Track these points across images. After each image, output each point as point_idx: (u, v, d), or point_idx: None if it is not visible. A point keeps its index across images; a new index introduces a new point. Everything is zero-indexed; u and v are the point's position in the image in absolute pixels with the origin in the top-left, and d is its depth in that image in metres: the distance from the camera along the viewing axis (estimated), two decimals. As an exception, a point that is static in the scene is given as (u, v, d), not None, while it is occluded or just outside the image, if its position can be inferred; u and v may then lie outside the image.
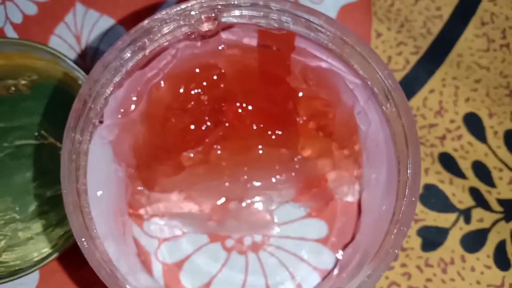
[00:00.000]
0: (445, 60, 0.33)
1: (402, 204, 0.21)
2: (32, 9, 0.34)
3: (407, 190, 0.21)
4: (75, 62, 0.31)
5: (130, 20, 0.34)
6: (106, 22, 0.34)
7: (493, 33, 0.34)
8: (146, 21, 0.22)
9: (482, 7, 0.35)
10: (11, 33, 0.34)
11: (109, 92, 0.21)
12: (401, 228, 0.20)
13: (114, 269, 0.21)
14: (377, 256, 0.21)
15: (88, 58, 0.33)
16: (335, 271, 0.27)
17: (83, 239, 0.21)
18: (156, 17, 0.22)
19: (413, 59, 0.33)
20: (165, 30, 0.22)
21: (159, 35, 0.22)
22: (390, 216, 0.22)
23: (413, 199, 0.21)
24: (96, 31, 0.34)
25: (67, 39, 0.34)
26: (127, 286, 0.22)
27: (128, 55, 0.22)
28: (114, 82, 0.21)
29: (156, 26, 0.22)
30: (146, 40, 0.22)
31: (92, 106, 0.21)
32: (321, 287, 0.27)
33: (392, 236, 0.20)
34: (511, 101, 0.33)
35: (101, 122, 0.22)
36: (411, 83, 0.33)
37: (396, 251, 0.21)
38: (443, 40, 0.34)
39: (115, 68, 0.21)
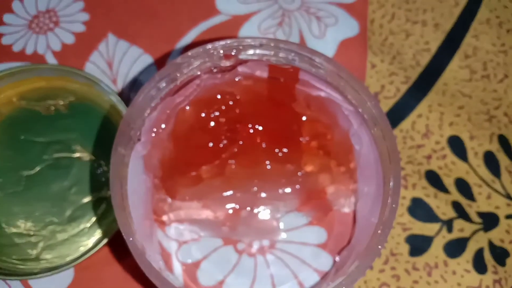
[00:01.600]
0: (432, 88, 0.38)
1: (385, 210, 0.25)
2: (70, 39, 0.39)
3: (389, 198, 0.25)
4: (107, 86, 0.34)
5: (156, 50, 0.38)
6: (135, 51, 0.38)
7: (475, 65, 0.38)
8: (178, 59, 0.26)
9: (465, 42, 0.39)
10: (51, 59, 0.38)
11: (146, 114, 0.26)
12: (385, 229, 0.25)
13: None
14: (365, 252, 0.25)
15: (118, 82, 0.37)
16: (332, 272, 0.31)
17: (130, 238, 0.25)
18: (186, 55, 0.26)
19: (403, 88, 0.37)
20: (193, 65, 0.26)
21: (188, 69, 0.26)
22: (377, 221, 0.26)
23: (394, 205, 0.25)
24: (126, 59, 0.38)
25: (100, 65, 0.38)
26: (167, 278, 0.25)
27: (163, 85, 0.26)
28: (151, 107, 0.26)
29: (186, 62, 0.26)
30: (178, 74, 0.26)
31: (133, 126, 0.26)
32: (320, 286, 0.31)
33: (378, 235, 0.24)
34: (490, 126, 0.37)
35: (139, 139, 0.26)
36: (401, 109, 0.37)
37: (380, 247, 0.25)
38: (431, 71, 0.38)
39: (152, 96, 0.26)
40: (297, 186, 0.33)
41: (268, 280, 0.33)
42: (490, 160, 0.36)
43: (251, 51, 0.27)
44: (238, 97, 0.30)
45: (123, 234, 0.25)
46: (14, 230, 0.34)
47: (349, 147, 0.32)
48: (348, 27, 0.38)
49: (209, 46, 0.26)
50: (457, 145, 0.36)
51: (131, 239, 0.25)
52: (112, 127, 0.35)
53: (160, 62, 0.38)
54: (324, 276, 0.32)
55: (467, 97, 0.37)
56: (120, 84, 0.37)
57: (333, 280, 0.29)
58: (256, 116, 0.31)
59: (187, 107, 0.29)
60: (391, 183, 0.25)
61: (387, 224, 0.25)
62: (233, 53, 0.26)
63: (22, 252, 0.33)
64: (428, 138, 0.36)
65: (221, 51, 0.26)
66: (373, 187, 0.29)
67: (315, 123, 0.32)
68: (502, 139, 0.36)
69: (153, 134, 0.28)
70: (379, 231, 0.25)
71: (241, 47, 0.26)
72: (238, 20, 0.38)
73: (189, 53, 0.26)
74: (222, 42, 0.26)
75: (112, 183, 0.25)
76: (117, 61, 0.38)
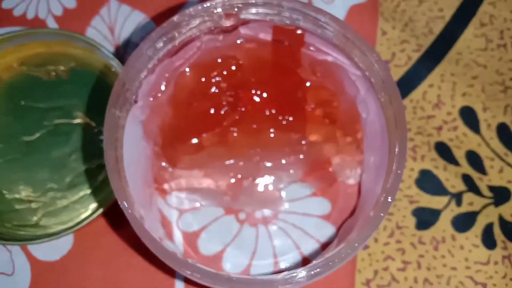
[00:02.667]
0: (444, 57, 0.36)
1: (389, 176, 0.24)
2: (71, 3, 0.38)
3: (394, 164, 0.24)
4: (109, 51, 0.33)
5: (158, 15, 0.37)
6: (137, 16, 0.37)
7: (492, 34, 0.37)
8: (176, 16, 0.25)
9: (482, 9, 0.37)
10: (52, 24, 0.37)
11: (143, 76, 0.25)
12: (388, 196, 0.24)
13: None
14: (367, 220, 0.24)
15: (120, 48, 0.37)
16: (335, 243, 0.30)
17: (124, 201, 0.24)
18: (184, 12, 0.25)
19: (415, 56, 0.36)
20: (192, 24, 0.25)
21: (187, 29, 0.25)
22: (381, 193, 0.25)
23: (399, 171, 0.24)
24: (128, 24, 0.37)
25: (101, 30, 0.37)
26: (164, 245, 0.25)
27: (160, 45, 0.25)
28: (148, 68, 0.25)
29: (184, 21, 0.25)
30: (176, 33, 0.25)
31: (129, 87, 0.25)
32: (321, 256, 0.30)
33: (381, 202, 0.24)
34: (504, 97, 0.35)
35: (135, 101, 0.25)
36: (412, 78, 0.36)
37: (382, 214, 0.24)
38: (444, 39, 0.36)
39: (148, 56, 0.25)
40: (301, 156, 0.32)
41: (270, 250, 0.32)
42: (504, 133, 0.34)
43: (253, 10, 0.26)
44: (240, 62, 0.29)
45: (117, 198, 0.24)
46: (14, 196, 0.34)
47: (356, 116, 0.31)
48: (359, -8, 0.37)
49: (208, 3, 0.25)
50: (469, 117, 0.35)
51: (125, 203, 0.24)
52: (113, 93, 0.34)
53: (162, 28, 0.36)
54: (327, 247, 0.31)
55: (482, 67, 0.36)
56: (121, 50, 0.37)
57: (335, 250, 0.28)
58: (259, 82, 0.30)
59: (187, 71, 0.28)
60: (396, 149, 0.24)
61: (391, 191, 0.24)
62: (234, 12, 0.25)
63: (22, 218, 0.33)
64: (439, 108, 0.35)
65: (221, 9, 0.25)
66: (379, 157, 0.28)
67: (321, 89, 0.30)
68: (517, 111, 0.35)
69: (151, 99, 0.27)
70: (382, 198, 0.24)
71: (241, 5, 0.25)
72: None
73: (187, 11, 0.25)
74: (223, 0, 0.25)
75: (105, 145, 0.24)
76: (119, 26, 0.37)
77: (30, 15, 0.37)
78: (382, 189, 0.24)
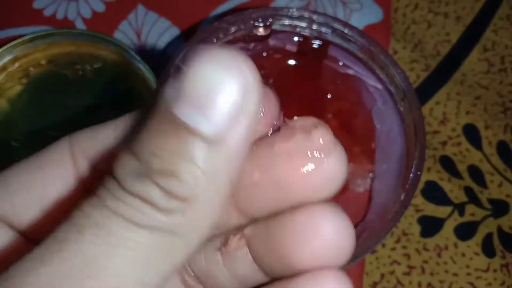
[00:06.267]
0: (450, 78, 0.39)
1: (409, 177, 0.26)
2: (100, 7, 0.39)
3: (413, 166, 0.26)
4: (136, 54, 0.35)
5: (183, 22, 0.39)
6: (163, 23, 0.39)
7: (493, 59, 0.39)
8: (216, 23, 0.27)
9: (485, 36, 0.40)
10: (80, 25, 0.39)
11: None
12: (408, 196, 0.26)
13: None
14: (386, 215, 0.26)
15: (146, 52, 0.39)
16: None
17: None
18: (224, 19, 0.27)
19: (423, 75, 0.39)
20: (229, 31, 0.27)
21: (224, 35, 0.27)
22: (396, 197, 0.27)
23: (418, 172, 0.26)
24: (154, 30, 0.39)
25: (129, 34, 0.39)
26: None
27: (200, 48, 0.27)
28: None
29: (223, 27, 0.27)
30: (214, 38, 0.27)
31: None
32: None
33: (400, 201, 0.26)
34: (505, 117, 0.38)
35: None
36: (420, 96, 0.38)
37: (403, 210, 0.25)
38: (450, 61, 0.39)
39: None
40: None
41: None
42: (503, 150, 0.37)
43: (286, 21, 0.28)
44: (267, 71, 0.31)
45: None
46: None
47: (371, 127, 0.33)
48: (373, 13, 0.39)
49: (247, 12, 0.27)
50: (472, 134, 0.37)
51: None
52: (138, 94, 0.36)
53: (187, 35, 0.38)
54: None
55: (484, 88, 0.38)
56: (147, 54, 0.38)
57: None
58: (282, 90, 0.32)
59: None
60: (416, 153, 0.26)
61: (410, 190, 0.26)
62: (268, 22, 0.27)
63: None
64: (444, 125, 0.37)
65: (259, 19, 0.27)
66: (393, 165, 0.30)
67: (340, 101, 0.33)
68: (516, 131, 0.37)
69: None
70: (402, 197, 0.26)
71: (276, 16, 0.27)
72: (267, 0, 0.39)
73: (226, 18, 0.27)
74: (260, 10, 0.27)
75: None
76: (146, 32, 0.39)
77: (59, 16, 0.39)
78: (402, 189, 0.26)
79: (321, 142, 0.14)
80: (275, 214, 0.14)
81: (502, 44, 0.40)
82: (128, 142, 0.12)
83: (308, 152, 0.14)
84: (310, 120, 0.15)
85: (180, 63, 0.11)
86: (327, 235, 0.14)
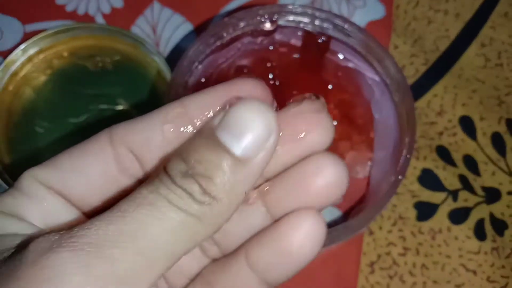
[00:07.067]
0: (448, 72, 0.41)
1: (400, 161, 0.28)
2: (119, 3, 0.42)
3: (404, 150, 0.28)
4: (152, 47, 0.37)
5: (196, 18, 0.41)
6: (177, 18, 0.41)
7: (491, 54, 0.41)
8: (226, 18, 0.30)
9: (483, 32, 0.42)
10: (100, 20, 0.41)
11: (195, 67, 0.29)
12: (399, 177, 0.28)
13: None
14: (380, 198, 0.28)
15: (161, 46, 0.41)
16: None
17: None
18: (233, 15, 0.29)
19: (422, 69, 0.41)
20: (238, 26, 0.30)
21: (233, 30, 0.30)
22: (391, 179, 0.29)
23: (408, 156, 0.28)
24: (168, 25, 0.41)
25: (145, 29, 0.41)
26: None
27: (211, 41, 0.29)
28: (199, 60, 0.29)
29: (233, 22, 0.30)
30: (224, 33, 0.29)
31: (185, 75, 0.29)
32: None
33: (392, 180, 0.28)
34: (499, 109, 0.40)
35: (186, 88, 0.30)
36: (419, 88, 0.40)
37: (394, 190, 0.28)
38: (449, 56, 0.41)
39: (200, 50, 0.29)
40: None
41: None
42: (497, 141, 0.39)
43: (290, 17, 0.30)
44: (273, 63, 0.34)
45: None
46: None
47: (370, 117, 0.35)
48: (375, 10, 0.41)
49: (254, 9, 0.29)
50: (467, 125, 0.39)
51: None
52: (153, 85, 0.38)
53: (200, 30, 0.41)
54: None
55: (481, 82, 0.40)
56: (162, 47, 0.41)
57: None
58: (288, 81, 0.34)
59: (228, 68, 0.32)
60: (406, 139, 0.28)
61: (401, 171, 0.28)
62: (274, 18, 0.30)
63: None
64: (441, 116, 0.39)
65: (266, 15, 0.29)
66: (388, 153, 0.32)
67: (341, 91, 0.35)
68: (510, 123, 0.39)
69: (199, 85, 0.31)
70: (393, 178, 0.28)
71: (282, 12, 0.30)
72: (274, -3, 0.41)
73: (236, 14, 0.29)
74: (266, 7, 0.29)
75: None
76: (161, 27, 0.41)
77: (80, 11, 0.42)
78: (393, 173, 0.28)
79: (311, 106, 0.16)
80: (285, 170, 0.18)
81: (499, 40, 0.41)
82: (178, 150, 0.17)
83: (301, 116, 0.17)
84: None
85: (227, 103, 0.16)
86: (329, 175, 0.17)
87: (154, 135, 0.17)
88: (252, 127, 0.16)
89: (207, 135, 0.16)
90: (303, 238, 0.17)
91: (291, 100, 0.17)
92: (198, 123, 0.17)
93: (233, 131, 0.16)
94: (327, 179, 0.17)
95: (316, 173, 0.17)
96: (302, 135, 0.17)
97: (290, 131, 0.17)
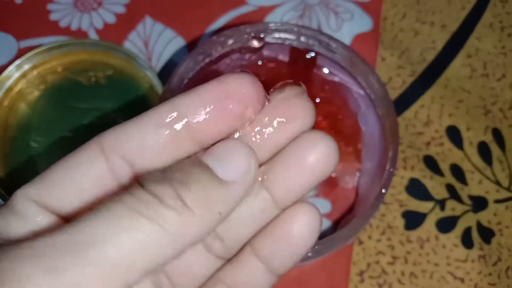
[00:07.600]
0: (435, 82, 0.41)
1: (384, 174, 0.29)
2: (111, 19, 0.43)
3: (388, 164, 0.29)
4: (144, 62, 0.38)
5: (188, 33, 0.42)
6: (169, 33, 0.42)
7: (476, 64, 0.42)
8: (214, 37, 0.30)
9: (469, 43, 0.43)
10: (93, 35, 0.42)
11: (184, 84, 0.30)
12: (382, 190, 0.29)
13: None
14: (366, 209, 0.29)
15: (153, 60, 0.42)
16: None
17: None
18: (222, 33, 0.30)
19: (409, 80, 0.41)
20: (227, 44, 0.30)
21: (222, 47, 0.30)
22: (378, 189, 0.30)
23: (391, 169, 0.29)
24: (160, 40, 0.42)
25: (137, 44, 0.42)
26: None
27: (200, 58, 0.30)
28: (188, 77, 0.30)
29: (221, 40, 0.30)
30: (213, 50, 0.30)
31: (175, 91, 0.30)
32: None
33: (377, 193, 0.29)
34: (485, 119, 0.41)
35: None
36: (406, 99, 0.41)
37: (378, 203, 0.28)
38: (435, 67, 0.42)
39: (189, 67, 0.30)
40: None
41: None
42: (484, 150, 0.39)
43: (276, 35, 0.31)
44: (262, 78, 0.35)
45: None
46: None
47: (357, 129, 0.36)
48: (363, 23, 0.42)
49: (242, 27, 0.30)
50: (454, 135, 0.40)
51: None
52: (146, 98, 0.39)
53: (191, 45, 0.42)
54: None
55: (467, 92, 0.41)
56: (154, 62, 0.42)
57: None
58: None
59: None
60: (390, 153, 0.29)
61: (385, 184, 0.29)
62: (261, 35, 0.30)
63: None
64: (428, 126, 0.40)
65: (252, 33, 0.30)
66: (374, 164, 0.33)
67: (328, 104, 0.36)
68: (496, 132, 0.40)
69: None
70: (378, 190, 0.29)
71: (268, 30, 0.30)
72: (263, 11, 0.42)
73: (224, 32, 0.30)
74: (253, 25, 0.30)
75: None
76: (153, 42, 0.42)
77: (74, 27, 0.43)
78: (379, 184, 0.29)
79: (292, 92, 0.18)
80: (278, 152, 0.19)
81: (485, 50, 0.42)
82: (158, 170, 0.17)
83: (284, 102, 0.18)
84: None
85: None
86: (322, 148, 0.18)
87: (149, 140, 0.17)
88: (235, 157, 0.16)
89: (192, 158, 0.17)
90: (302, 227, 0.18)
91: (273, 89, 0.18)
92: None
93: (217, 156, 0.16)
94: (321, 153, 0.18)
95: (309, 149, 0.18)
96: (289, 118, 0.18)
97: (278, 115, 0.18)
